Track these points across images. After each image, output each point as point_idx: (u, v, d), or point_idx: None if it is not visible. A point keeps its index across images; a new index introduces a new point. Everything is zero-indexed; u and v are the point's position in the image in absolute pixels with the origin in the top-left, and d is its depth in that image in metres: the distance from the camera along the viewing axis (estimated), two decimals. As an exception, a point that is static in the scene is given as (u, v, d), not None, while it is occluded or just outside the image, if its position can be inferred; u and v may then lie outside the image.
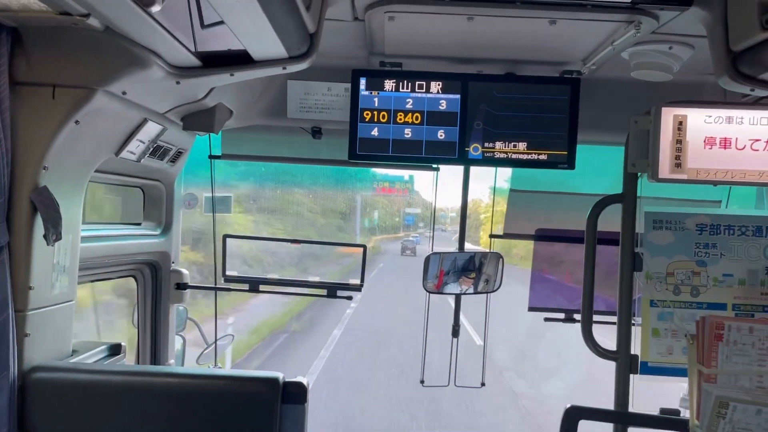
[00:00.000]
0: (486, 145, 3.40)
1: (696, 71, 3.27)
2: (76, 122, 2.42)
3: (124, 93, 2.54)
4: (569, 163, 3.39)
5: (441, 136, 3.38)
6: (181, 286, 3.90)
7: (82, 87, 2.39)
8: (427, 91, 3.37)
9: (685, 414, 2.94)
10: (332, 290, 3.90)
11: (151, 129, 2.96)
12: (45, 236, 2.42)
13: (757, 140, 2.79)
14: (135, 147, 2.96)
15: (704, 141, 2.80)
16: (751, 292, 3.04)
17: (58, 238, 2.46)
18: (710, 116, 2.81)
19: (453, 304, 4.05)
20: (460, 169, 3.78)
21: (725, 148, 2.80)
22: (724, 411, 2.48)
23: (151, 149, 3.14)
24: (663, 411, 2.99)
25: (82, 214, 2.77)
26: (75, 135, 2.46)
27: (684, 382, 2.91)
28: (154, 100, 2.83)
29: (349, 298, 3.92)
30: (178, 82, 2.58)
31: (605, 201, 3.09)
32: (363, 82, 3.38)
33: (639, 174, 3.00)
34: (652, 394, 3.35)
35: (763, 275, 3.05)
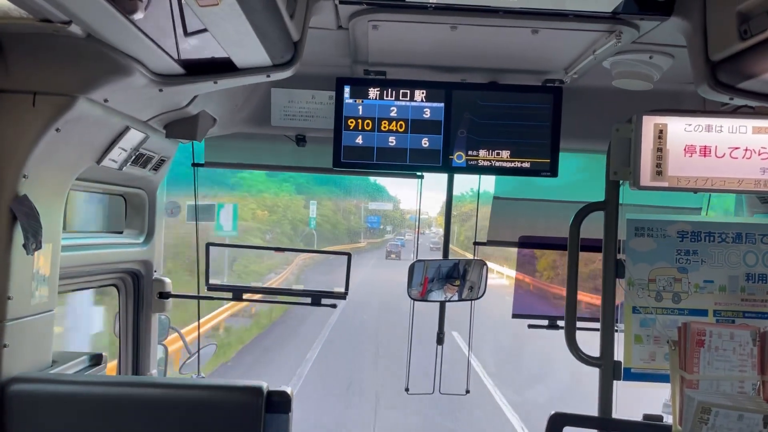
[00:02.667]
0: (469, 153, 3.41)
1: (676, 80, 3.31)
2: (57, 130, 2.39)
3: (105, 100, 2.52)
4: (552, 170, 3.41)
5: (425, 144, 3.39)
6: (164, 295, 3.86)
7: (63, 94, 2.37)
8: (411, 99, 3.38)
9: (668, 420, 2.96)
10: (316, 298, 3.89)
11: (133, 137, 2.94)
12: (24, 245, 2.39)
13: (736, 148, 2.83)
14: (117, 155, 2.93)
15: (684, 149, 2.84)
16: (732, 298, 3.08)
17: (38, 247, 2.43)
18: (690, 124, 2.84)
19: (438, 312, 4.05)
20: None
21: (705, 155, 2.84)
22: (707, 416, 2.50)
23: (134, 157, 3.11)
24: (646, 417, 3.01)
25: (63, 222, 2.73)
26: (56, 143, 2.43)
27: (666, 387, 2.93)
28: (137, 107, 2.81)
29: (333, 306, 3.91)
30: (160, 90, 2.56)
31: (588, 208, 3.11)
32: (347, 90, 3.39)
33: (621, 181, 3.03)
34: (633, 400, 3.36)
35: (743, 281, 3.09)
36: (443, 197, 4.07)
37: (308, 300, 3.92)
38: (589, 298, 3.87)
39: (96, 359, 3.01)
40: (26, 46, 2.30)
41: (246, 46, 2.28)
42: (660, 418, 3.02)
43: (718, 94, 2.55)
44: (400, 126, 3.38)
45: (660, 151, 2.84)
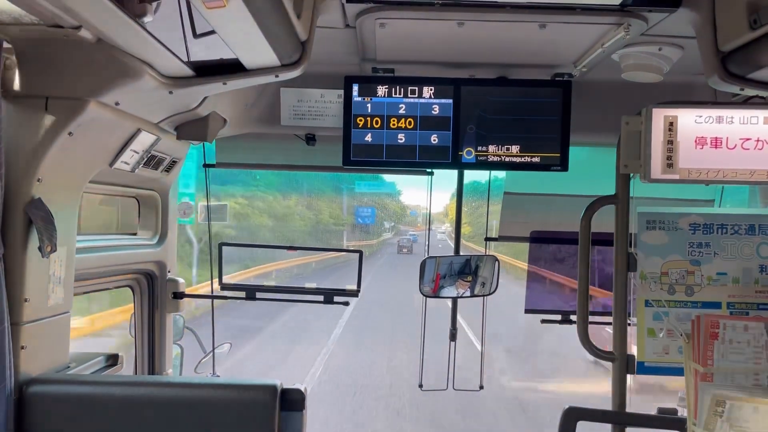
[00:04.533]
0: (479, 148, 3.41)
1: (686, 72, 3.29)
2: (70, 134, 2.42)
3: (117, 104, 2.55)
4: (562, 165, 3.40)
5: (434, 140, 3.40)
6: (178, 295, 3.89)
7: (75, 98, 2.40)
8: (420, 96, 3.38)
9: (683, 413, 2.95)
10: (329, 296, 3.90)
11: (144, 139, 2.97)
12: (40, 248, 2.42)
13: (747, 139, 2.81)
14: (129, 157, 2.96)
15: (695, 141, 2.82)
16: (746, 290, 3.05)
17: (53, 249, 2.46)
18: (701, 116, 2.82)
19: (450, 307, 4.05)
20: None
21: (716, 147, 2.82)
22: (721, 409, 2.49)
23: (145, 159, 3.14)
24: (660, 410, 3.00)
25: (77, 224, 2.77)
26: (68, 146, 2.47)
27: (681, 381, 2.92)
28: (148, 110, 2.84)
29: (346, 303, 3.92)
30: (170, 92, 2.58)
31: (599, 202, 3.10)
32: (356, 88, 3.40)
33: (631, 175, 3.01)
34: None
35: (757, 273, 3.07)
36: (443, 194, 4.08)
37: (321, 298, 3.94)
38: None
39: (112, 360, 3.05)
40: (38, 51, 2.33)
41: (254, 47, 2.30)
42: (675, 411, 3.01)
43: (728, 84, 2.53)
44: (409, 123, 3.39)
45: (671, 143, 2.83)
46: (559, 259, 4.15)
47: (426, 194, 4.22)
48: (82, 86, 2.40)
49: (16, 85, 2.37)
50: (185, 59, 2.44)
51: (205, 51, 2.46)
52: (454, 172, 3.85)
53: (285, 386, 2.56)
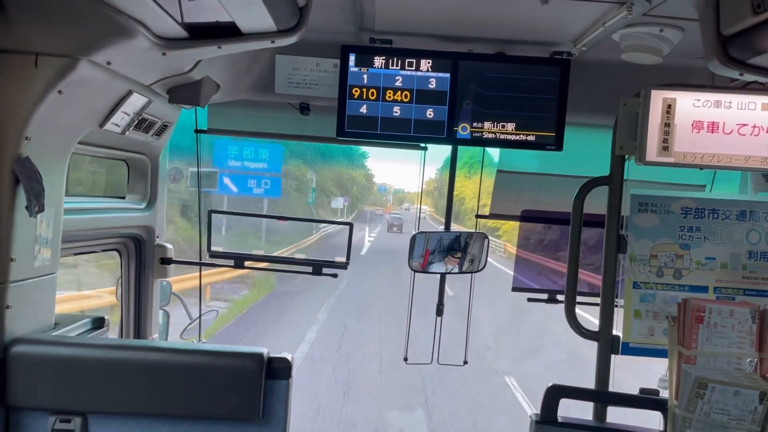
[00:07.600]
0: (474, 124, 3.38)
1: (686, 55, 3.27)
2: (59, 92, 2.37)
3: (108, 63, 2.49)
4: (557, 144, 3.39)
5: (430, 114, 3.37)
6: (166, 261, 3.87)
7: (66, 56, 2.34)
8: (417, 69, 3.34)
9: (664, 394, 2.98)
10: (318, 268, 3.89)
11: (136, 101, 2.91)
12: (27, 207, 2.39)
13: (744, 125, 2.80)
14: (119, 119, 2.91)
15: (692, 124, 2.81)
16: (733, 275, 3.08)
17: (41, 209, 2.43)
18: (699, 100, 2.81)
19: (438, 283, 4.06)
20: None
21: (713, 132, 2.81)
22: (703, 392, 2.53)
23: (136, 122, 3.09)
24: (642, 391, 3.04)
25: (65, 185, 2.73)
26: (58, 105, 2.42)
27: (663, 362, 2.95)
28: (140, 71, 2.78)
29: (335, 275, 3.92)
30: (164, 54, 2.53)
31: (592, 183, 3.10)
32: (352, 58, 3.35)
33: (626, 157, 3.01)
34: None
35: (745, 259, 3.09)
36: (417, 168, 4.05)
37: (309, 269, 3.93)
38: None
39: (98, 322, 3.03)
40: (28, 5, 2.27)
41: (251, 10, 2.25)
42: (656, 392, 3.05)
43: (728, 69, 2.51)
44: (405, 96, 3.35)
45: (667, 126, 2.82)
46: (546, 239, 4.17)
47: (404, 173, 4.18)
48: (74, 44, 2.34)
49: (6, 40, 2.31)
50: (180, 20, 2.38)
51: (200, 12, 2.40)
52: (442, 147, 3.81)
53: (272, 354, 2.56)
